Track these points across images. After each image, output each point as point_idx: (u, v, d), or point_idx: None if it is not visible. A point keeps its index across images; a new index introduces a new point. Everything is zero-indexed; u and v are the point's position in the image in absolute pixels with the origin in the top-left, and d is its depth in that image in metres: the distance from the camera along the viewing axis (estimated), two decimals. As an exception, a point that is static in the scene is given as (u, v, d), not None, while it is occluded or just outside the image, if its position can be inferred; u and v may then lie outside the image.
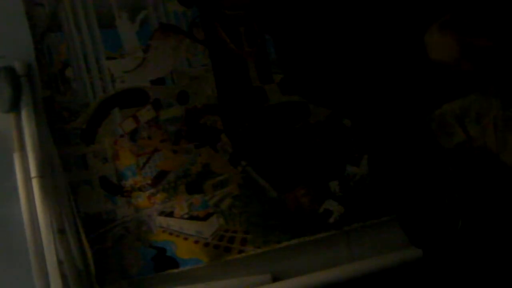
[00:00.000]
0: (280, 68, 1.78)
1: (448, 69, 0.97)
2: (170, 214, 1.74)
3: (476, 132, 1.02)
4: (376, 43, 1.05)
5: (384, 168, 1.26)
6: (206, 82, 1.78)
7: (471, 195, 1.07)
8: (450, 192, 1.11)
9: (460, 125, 1.03)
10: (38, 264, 1.63)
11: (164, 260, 1.73)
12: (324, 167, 1.82)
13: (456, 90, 1.04)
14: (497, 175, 1.03)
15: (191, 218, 1.75)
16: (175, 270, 1.73)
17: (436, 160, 1.11)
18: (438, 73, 0.99)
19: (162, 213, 1.74)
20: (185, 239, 1.74)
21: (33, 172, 1.65)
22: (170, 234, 1.74)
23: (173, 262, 1.73)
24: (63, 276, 1.63)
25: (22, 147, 1.67)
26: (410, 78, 1.06)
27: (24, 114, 1.68)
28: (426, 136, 1.10)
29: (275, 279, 1.80)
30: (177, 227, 1.74)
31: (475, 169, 1.05)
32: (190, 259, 1.74)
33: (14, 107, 1.68)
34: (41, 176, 1.65)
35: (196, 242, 1.74)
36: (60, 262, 1.63)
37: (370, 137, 1.26)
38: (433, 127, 1.08)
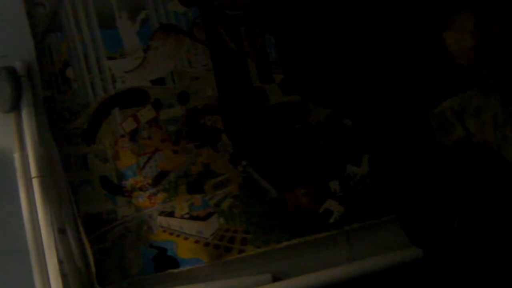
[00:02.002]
0: (281, 68, 1.79)
1: (455, 59, 0.98)
2: (171, 214, 1.74)
3: (476, 128, 1.03)
4: (376, 42, 1.06)
5: (385, 167, 1.26)
6: (206, 82, 1.78)
7: (471, 193, 1.07)
8: (450, 191, 1.11)
9: (460, 121, 1.03)
10: (38, 264, 1.63)
11: (164, 260, 1.73)
12: (324, 167, 1.82)
13: (455, 87, 1.04)
14: (497, 171, 1.03)
15: (192, 218, 1.75)
16: (176, 270, 1.73)
17: (436, 159, 1.11)
18: (439, 69, 1.00)
19: (162, 213, 1.74)
20: (186, 239, 1.74)
21: (33, 172, 1.65)
22: (171, 234, 1.74)
23: (174, 262, 1.73)
24: (64, 276, 1.63)
25: (23, 147, 1.68)
26: (410, 76, 1.06)
27: (24, 114, 1.68)
28: (426, 135, 1.10)
29: (275, 279, 1.80)
30: (178, 227, 1.74)
31: (475, 165, 1.05)
32: (190, 259, 1.74)
33: (15, 107, 1.68)
34: (42, 176, 1.65)
35: (197, 242, 1.74)
36: (60, 262, 1.63)
37: (371, 137, 1.26)
38: (433, 125, 1.08)
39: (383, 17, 1.06)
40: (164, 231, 1.74)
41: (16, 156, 1.68)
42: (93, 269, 1.67)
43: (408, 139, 1.15)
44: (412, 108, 1.09)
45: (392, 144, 1.19)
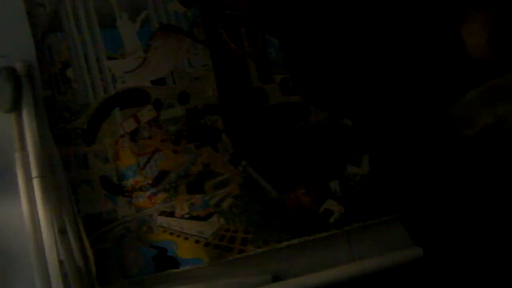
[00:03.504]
0: (282, 68, 1.79)
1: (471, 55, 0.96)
2: (171, 214, 1.74)
3: (506, 112, 0.98)
4: (384, 40, 1.05)
5: (385, 166, 1.25)
6: (206, 82, 1.78)
7: (475, 193, 1.06)
8: (451, 191, 1.10)
9: (487, 106, 0.99)
10: (39, 264, 1.63)
11: (164, 260, 1.73)
12: (324, 167, 1.82)
13: (471, 82, 1.02)
14: None
15: (192, 218, 1.75)
16: (176, 270, 1.74)
17: (439, 158, 1.11)
18: (454, 65, 0.98)
19: (163, 213, 1.74)
20: (186, 239, 1.75)
21: (34, 172, 1.65)
22: (171, 234, 1.74)
23: (174, 262, 1.73)
24: (64, 276, 1.63)
25: (23, 147, 1.67)
26: (417, 76, 1.05)
27: (25, 114, 1.67)
28: (434, 131, 1.08)
29: (275, 279, 1.80)
30: (178, 227, 1.74)
31: (505, 152, 1.01)
32: (190, 259, 1.74)
33: (15, 107, 1.68)
34: (42, 176, 1.65)
35: (197, 242, 1.75)
36: (61, 262, 1.63)
37: (372, 135, 1.25)
38: (453, 116, 1.04)
39: (397, 11, 1.04)
40: (164, 231, 1.74)
41: (16, 156, 1.67)
42: (93, 269, 1.67)
43: (411, 138, 1.14)
44: (420, 106, 1.07)
45: (394, 142, 1.18)
